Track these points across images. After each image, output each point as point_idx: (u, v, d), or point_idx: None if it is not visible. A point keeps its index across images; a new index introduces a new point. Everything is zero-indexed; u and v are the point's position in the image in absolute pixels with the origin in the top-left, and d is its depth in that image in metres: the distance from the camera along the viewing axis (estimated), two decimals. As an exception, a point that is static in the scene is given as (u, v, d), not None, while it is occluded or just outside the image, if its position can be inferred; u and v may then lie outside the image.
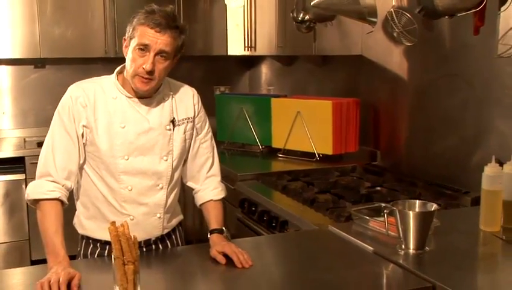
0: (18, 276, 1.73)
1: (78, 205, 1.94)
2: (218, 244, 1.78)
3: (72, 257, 1.88)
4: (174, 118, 1.91)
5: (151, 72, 1.77)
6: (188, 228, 2.11)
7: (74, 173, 1.83)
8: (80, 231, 1.93)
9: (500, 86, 2.36)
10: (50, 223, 1.72)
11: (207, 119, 2.03)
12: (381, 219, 1.92)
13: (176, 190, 1.97)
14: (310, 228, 2.17)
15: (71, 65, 4.39)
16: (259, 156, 3.51)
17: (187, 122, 1.94)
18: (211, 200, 1.98)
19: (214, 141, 2.05)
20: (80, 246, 1.94)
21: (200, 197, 2.00)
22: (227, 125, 3.69)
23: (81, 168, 1.88)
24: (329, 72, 3.73)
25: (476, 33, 2.22)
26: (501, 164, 1.93)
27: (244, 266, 1.68)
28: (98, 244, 1.90)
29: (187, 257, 1.89)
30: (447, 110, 2.67)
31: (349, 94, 3.33)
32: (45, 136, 1.86)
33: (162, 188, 1.90)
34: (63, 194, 1.78)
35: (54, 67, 4.41)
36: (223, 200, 2.02)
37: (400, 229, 1.75)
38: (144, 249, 1.88)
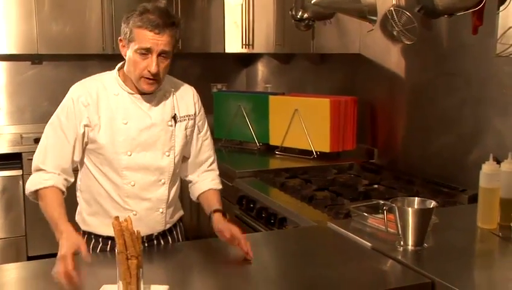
0: (14, 271, 1.73)
1: (81, 201, 1.95)
2: (224, 223, 1.81)
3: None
4: (175, 114, 1.93)
5: (156, 74, 1.78)
6: (184, 225, 2.12)
7: (67, 170, 1.85)
8: (83, 227, 1.94)
9: (498, 85, 2.38)
10: (49, 204, 1.76)
11: (205, 117, 2.07)
12: (380, 216, 1.94)
13: (176, 185, 1.99)
14: (308, 224, 2.19)
15: (68, 62, 4.39)
16: (256, 153, 3.53)
17: (188, 119, 1.97)
18: (211, 189, 2.01)
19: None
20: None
21: (198, 188, 2.03)
22: (224, 123, 3.70)
23: (81, 165, 1.91)
24: (327, 70, 3.74)
25: (474, 32, 2.23)
26: (498, 162, 1.95)
27: (248, 252, 1.70)
28: (101, 240, 1.91)
29: (188, 252, 1.91)
30: (445, 109, 2.69)
31: (346, 92, 3.34)
32: (42, 132, 1.89)
33: (164, 183, 1.91)
34: (59, 182, 1.81)
35: (51, 64, 4.40)
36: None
37: (399, 225, 1.77)
38: (146, 245, 1.89)
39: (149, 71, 1.77)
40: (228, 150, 3.64)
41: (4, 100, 4.35)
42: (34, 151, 1.88)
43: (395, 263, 1.69)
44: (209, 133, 2.08)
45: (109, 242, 1.87)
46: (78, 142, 1.85)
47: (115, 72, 1.90)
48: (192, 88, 2.03)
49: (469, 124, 2.55)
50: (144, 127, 1.86)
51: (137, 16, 1.76)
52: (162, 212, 1.93)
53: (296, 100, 3.34)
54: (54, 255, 1.58)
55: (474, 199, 2.21)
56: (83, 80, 1.90)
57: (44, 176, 1.81)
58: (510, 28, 2.15)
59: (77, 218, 1.96)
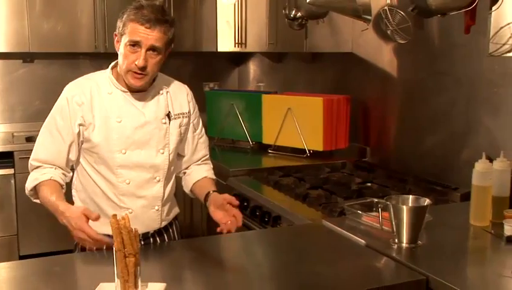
0: (6, 270, 1.71)
1: (76, 200, 1.96)
2: (221, 198, 1.85)
3: (70, 252, 1.90)
4: (169, 112, 1.94)
5: (143, 68, 1.79)
6: (179, 224, 2.13)
7: (64, 168, 1.87)
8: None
9: (489, 85, 2.41)
10: (46, 192, 1.78)
11: (200, 116, 2.09)
12: (374, 213, 1.95)
13: (171, 182, 2.00)
14: (303, 222, 2.20)
15: (60, 60, 4.37)
16: (249, 152, 3.53)
17: (182, 117, 1.98)
18: (206, 177, 2.04)
19: None
20: (77, 241, 1.96)
21: (193, 177, 2.05)
22: (217, 122, 3.70)
23: (77, 164, 1.91)
24: (319, 69, 3.76)
25: (467, 32, 2.25)
26: (490, 161, 1.97)
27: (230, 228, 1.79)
28: (97, 238, 1.91)
29: (185, 250, 1.91)
30: (437, 108, 2.71)
31: (339, 91, 3.36)
32: (33, 131, 1.89)
33: (159, 180, 1.92)
34: (56, 175, 1.82)
35: (43, 62, 4.37)
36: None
37: (393, 223, 1.78)
38: (142, 243, 1.89)
39: (136, 65, 1.78)
40: (221, 148, 3.65)
41: (-5, 98, 4.32)
42: (26, 150, 1.89)
43: (389, 260, 1.70)
44: (203, 131, 2.11)
45: (106, 240, 1.87)
46: (74, 142, 1.86)
47: (108, 70, 1.91)
48: (186, 86, 2.05)
49: (461, 123, 2.57)
50: (138, 125, 1.87)
51: (131, 10, 1.79)
52: (157, 210, 1.94)
53: (289, 99, 3.35)
54: (46, 254, 1.59)
55: (466, 197, 2.24)
56: (77, 79, 1.91)
57: (42, 171, 1.83)
58: (502, 27, 2.17)
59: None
